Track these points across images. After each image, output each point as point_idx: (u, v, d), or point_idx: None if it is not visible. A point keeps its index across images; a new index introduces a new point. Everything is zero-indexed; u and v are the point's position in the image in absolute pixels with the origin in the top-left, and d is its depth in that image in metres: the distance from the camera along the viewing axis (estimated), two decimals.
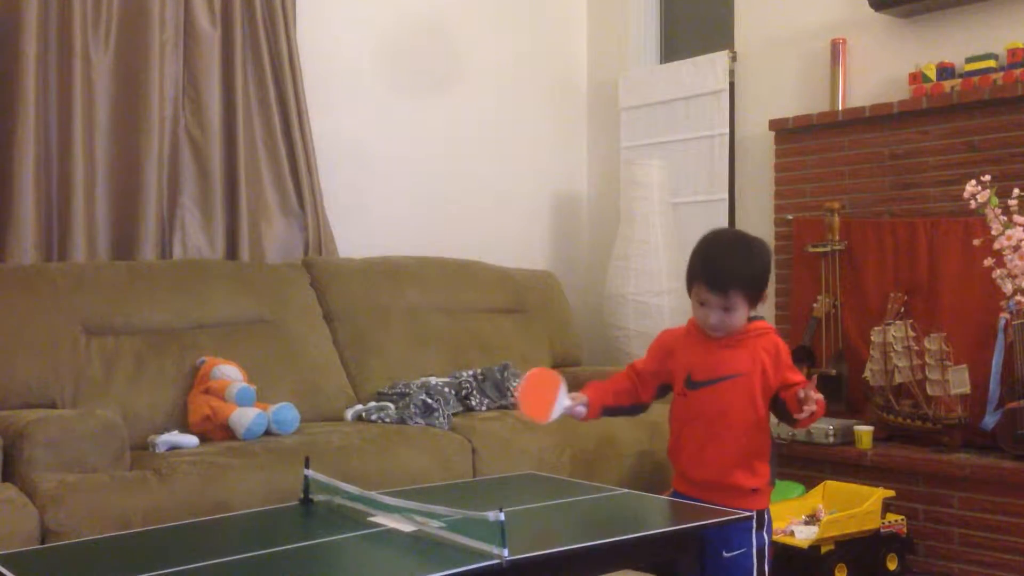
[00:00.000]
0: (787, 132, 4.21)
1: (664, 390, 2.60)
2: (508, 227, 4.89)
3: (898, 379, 3.61)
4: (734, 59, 4.55)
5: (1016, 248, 3.27)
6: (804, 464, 3.69)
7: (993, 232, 3.31)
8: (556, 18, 5.15)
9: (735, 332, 2.46)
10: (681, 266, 4.53)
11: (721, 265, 2.45)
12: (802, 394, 2.31)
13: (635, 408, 2.62)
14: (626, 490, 2.53)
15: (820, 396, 2.31)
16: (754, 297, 2.45)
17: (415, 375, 3.75)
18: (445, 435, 3.33)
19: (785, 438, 3.72)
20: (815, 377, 3.10)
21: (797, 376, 2.46)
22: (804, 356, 3.97)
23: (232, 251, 3.90)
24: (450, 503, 2.14)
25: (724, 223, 4.53)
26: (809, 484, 3.58)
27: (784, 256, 4.20)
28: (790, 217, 4.17)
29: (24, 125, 3.44)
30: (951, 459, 3.35)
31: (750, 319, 2.48)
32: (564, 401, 2.42)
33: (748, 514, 2.38)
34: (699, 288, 2.46)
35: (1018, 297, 3.29)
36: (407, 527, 2.09)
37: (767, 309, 4.29)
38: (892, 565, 3.33)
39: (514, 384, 3.74)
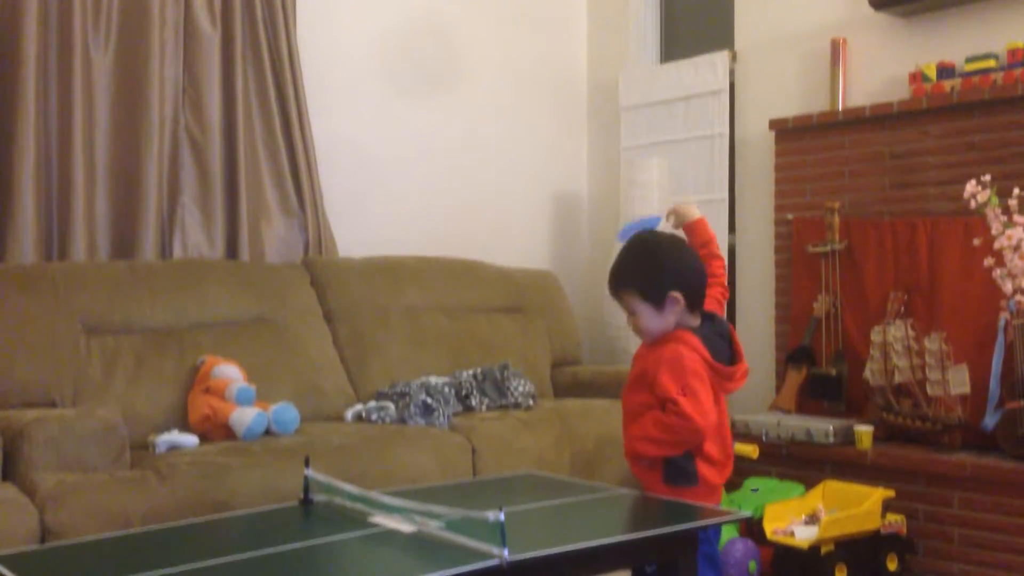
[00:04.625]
0: (787, 132, 4.21)
1: None
2: (508, 227, 4.89)
3: (898, 379, 3.61)
4: (734, 59, 4.55)
5: (1016, 248, 3.27)
6: (804, 464, 3.69)
7: (993, 232, 3.31)
8: (556, 18, 5.15)
9: (658, 337, 2.40)
10: None
11: (612, 270, 2.44)
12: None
13: None
14: (626, 490, 2.53)
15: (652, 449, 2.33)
16: (653, 296, 2.35)
17: (415, 375, 3.75)
18: (445, 435, 3.33)
19: (784, 437, 3.73)
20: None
21: (662, 395, 2.32)
22: (804, 356, 3.97)
23: (232, 251, 3.90)
24: (450, 503, 2.14)
25: (724, 223, 4.53)
26: (809, 484, 3.59)
27: (784, 256, 4.20)
28: (790, 217, 4.17)
29: (24, 125, 3.44)
30: (951, 459, 3.36)
31: (681, 327, 2.38)
32: None
33: (744, 514, 2.36)
34: None
35: (1018, 297, 3.29)
36: (407, 527, 2.09)
37: (765, 307, 4.29)
38: (892, 565, 3.33)
39: (514, 384, 3.75)
